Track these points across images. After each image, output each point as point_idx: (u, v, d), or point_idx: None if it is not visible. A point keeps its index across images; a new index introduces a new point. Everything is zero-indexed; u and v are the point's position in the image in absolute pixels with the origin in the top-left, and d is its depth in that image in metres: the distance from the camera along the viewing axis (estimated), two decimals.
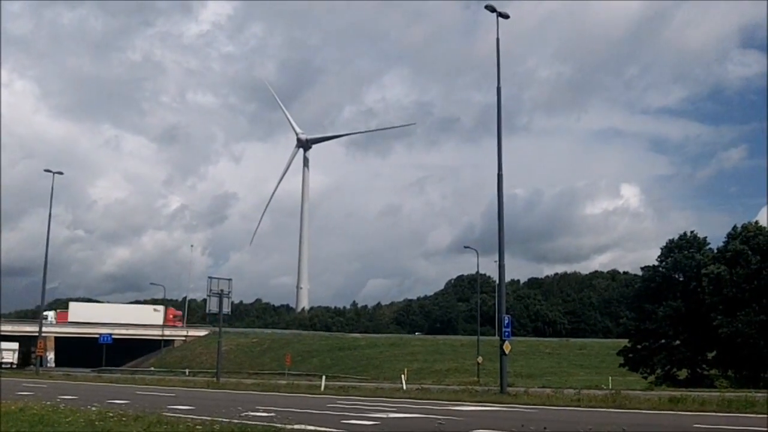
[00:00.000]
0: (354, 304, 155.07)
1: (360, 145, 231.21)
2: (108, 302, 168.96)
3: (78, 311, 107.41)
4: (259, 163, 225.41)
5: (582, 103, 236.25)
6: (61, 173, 60.87)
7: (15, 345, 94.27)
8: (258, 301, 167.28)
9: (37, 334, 65.53)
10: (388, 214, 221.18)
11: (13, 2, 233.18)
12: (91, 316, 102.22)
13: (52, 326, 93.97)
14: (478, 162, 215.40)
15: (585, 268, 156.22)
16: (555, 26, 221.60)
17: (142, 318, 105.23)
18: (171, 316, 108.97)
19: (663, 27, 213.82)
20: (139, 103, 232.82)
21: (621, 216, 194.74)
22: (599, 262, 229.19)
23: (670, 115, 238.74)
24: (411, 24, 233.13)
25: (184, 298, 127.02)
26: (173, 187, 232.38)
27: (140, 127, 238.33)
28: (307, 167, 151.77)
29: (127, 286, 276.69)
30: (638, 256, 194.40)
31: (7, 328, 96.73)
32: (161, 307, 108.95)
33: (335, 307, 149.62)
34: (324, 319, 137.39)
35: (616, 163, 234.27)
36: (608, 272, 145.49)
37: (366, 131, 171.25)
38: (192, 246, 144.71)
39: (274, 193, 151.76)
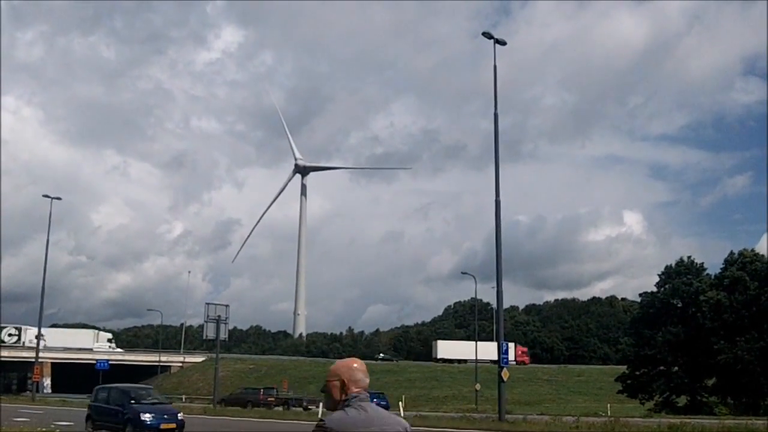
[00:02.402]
0: (350, 330, 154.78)
1: (364, 171, 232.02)
2: (106, 329, 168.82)
3: None
4: (263, 190, 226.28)
5: (585, 131, 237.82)
6: (59, 199, 60.90)
7: None
8: (255, 327, 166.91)
9: (33, 359, 65.19)
10: (390, 240, 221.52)
11: (27, 31, 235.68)
12: None
13: (49, 352, 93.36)
14: (482, 188, 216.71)
15: (586, 294, 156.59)
16: (560, 55, 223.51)
17: None
18: (520, 352, 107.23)
19: (666, 57, 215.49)
20: (145, 130, 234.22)
21: (623, 243, 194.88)
22: (600, 289, 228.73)
23: (669, 142, 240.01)
24: (418, 53, 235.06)
25: (182, 324, 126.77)
26: (177, 212, 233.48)
27: (145, 154, 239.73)
28: (305, 194, 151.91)
29: (126, 312, 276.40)
30: (640, 282, 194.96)
31: (4, 353, 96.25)
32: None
33: (332, 333, 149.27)
34: (321, 345, 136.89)
35: (617, 190, 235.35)
36: (606, 298, 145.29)
37: (363, 167, 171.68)
38: (189, 272, 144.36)
39: (263, 214, 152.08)
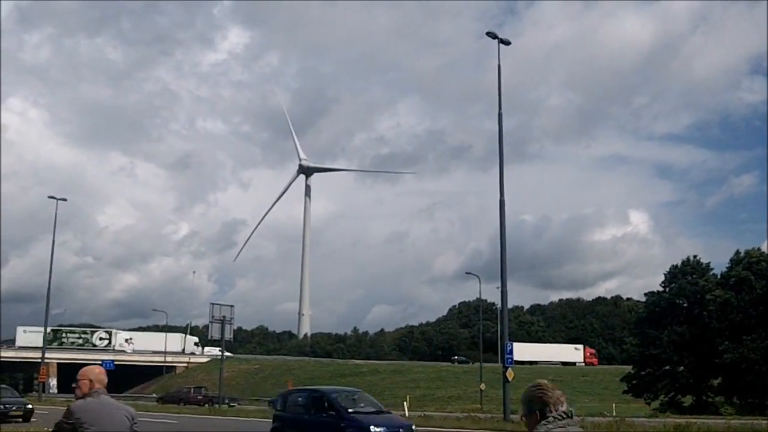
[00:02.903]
0: (355, 330, 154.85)
1: (369, 172, 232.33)
2: (114, 329, 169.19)
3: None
4: (269, 191, 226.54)
5: (591, 132, 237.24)
6: (64, 200, 61.07)
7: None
8: (259, 327, 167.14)
9: (39, 360, 65.38)
10: (395, 240, 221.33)
11: (34, 33, 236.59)
12: None
13: (54, 352, 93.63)
14: (487, 189, 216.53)
15: (591, 294, 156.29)
16: (566, 55, 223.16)
17: None
18: (588, 353, 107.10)
19: (672, 57, 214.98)
20: (151, 131, 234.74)
21: (629, 242, 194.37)
22: (605, 289, 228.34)
23: (674, 142, 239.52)
24: (423, 53, 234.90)
25: (188, 324, 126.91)
26: (183, 213, 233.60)
27: (151, 155, 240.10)
28: (309, 195, 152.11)
29: (132, 313, 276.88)
30: (645, 282, 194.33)
31: (10, 354, 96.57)
32: None
33: (336, 334, 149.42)
34: (325, 345, 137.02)
35: (622, 190, 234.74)
36: (611, 298, 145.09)
37: (367, 170, 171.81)
38: (194, 273, 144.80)
39: (266, 214, 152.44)
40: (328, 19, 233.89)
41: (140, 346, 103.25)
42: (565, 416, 3.88)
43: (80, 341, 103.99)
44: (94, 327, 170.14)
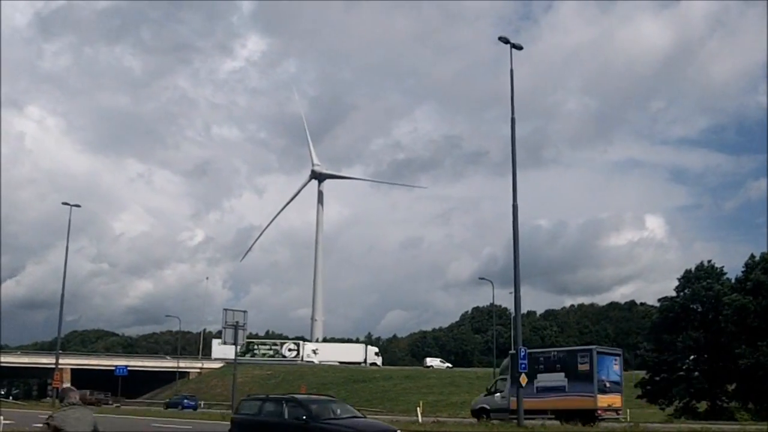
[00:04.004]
0: (369, 335, 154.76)
1: (386, 177, 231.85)
2: (125, 335, 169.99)
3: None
4: (285, 197, 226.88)
5: (607, 136, 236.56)
6: (78, 206, 61.32)
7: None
8: (271, 333, 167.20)
9: (53, 365, 65.68)
10: (410, 246, 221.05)
11: (54, 42, 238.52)
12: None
13: (68, 357, 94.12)
14: (504, 194, 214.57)
15: (606, 299, 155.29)
16: (583, 60, 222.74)
17: None
18: None
19: (689, 61, 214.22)
20: (168, 138, 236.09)
21: (645, 247, 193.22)
22: (621, 294, 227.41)
23: (689, 146, 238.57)
24: (440, 59, 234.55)
25: (203, 330, 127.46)
26: (198, 220, 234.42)
27: (167, 162, 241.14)
28: (321, 201, 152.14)
29: (147, 319, 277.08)
30: (661, 287, 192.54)
31: (24, 359, 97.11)
32: None
33: (348, 339, 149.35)
34: None
35: (638, 194, 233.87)
36: (625, 303, 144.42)
37: (378, 181, 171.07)
38: (207, 278, 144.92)
39: (275, 217, 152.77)
40: (346, 26, 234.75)
41: (325, 356, 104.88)
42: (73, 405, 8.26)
43: (271, 353, 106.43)
44: (108, 334, 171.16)
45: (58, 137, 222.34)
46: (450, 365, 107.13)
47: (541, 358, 37.07)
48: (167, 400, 72.12)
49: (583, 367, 34.67)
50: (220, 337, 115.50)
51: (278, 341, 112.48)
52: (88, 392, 70.59)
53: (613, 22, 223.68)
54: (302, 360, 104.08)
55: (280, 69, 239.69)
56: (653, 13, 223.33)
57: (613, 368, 36.72)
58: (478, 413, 38.70)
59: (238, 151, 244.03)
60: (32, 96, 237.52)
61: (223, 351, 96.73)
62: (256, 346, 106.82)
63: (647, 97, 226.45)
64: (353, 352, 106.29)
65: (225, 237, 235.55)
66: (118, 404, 71.82)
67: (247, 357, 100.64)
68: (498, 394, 38.05)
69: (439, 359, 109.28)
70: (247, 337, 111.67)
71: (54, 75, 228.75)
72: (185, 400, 69.01)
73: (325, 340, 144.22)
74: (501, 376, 41.13)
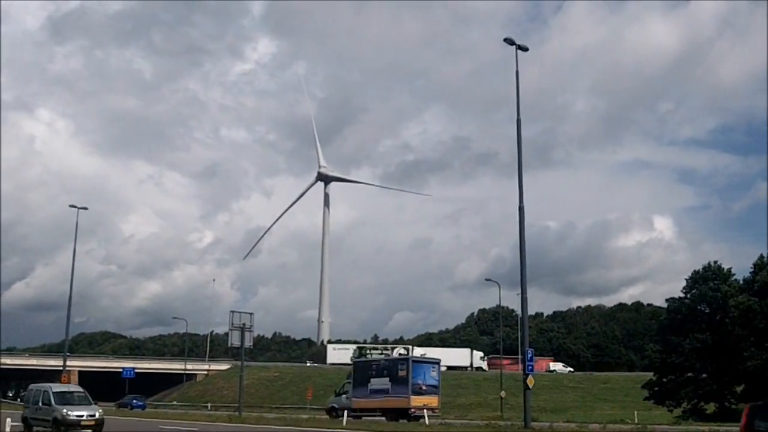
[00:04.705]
0: (375, 337, 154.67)
1: (394, 178, 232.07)
2: (133, 337, 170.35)
3: None
4: (292, 198, 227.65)
5: (616, 137, 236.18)
6: (85, 208, 61.23)
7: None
8: (278, 334, 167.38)
9: (61, 368, 65.80)
10: (418, 247, 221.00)
11: (66, 45, 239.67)
12: None
13: (77, 360, 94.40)
14: (512, 195, 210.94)
15: (614, 300, 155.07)
16: (592, 61, 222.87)
17: None
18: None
19: (698, 62, 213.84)
20: (178, 140, 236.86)
21: (653, 248, 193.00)
22: (629, 295, 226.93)
23: (696, 146, 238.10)
24: (450, 61, 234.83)
25: (211, 332, 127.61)
26: (207, 221, 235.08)
27: (177, 164, 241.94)
28: (328, 203, 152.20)
29: (155, 321, 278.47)
30: (669, 288, 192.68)
31: (32, 361, 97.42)
32: None
33: (355, 341, 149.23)
34: None
35: (647, 195, 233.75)
36: (632, 304, 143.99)
37: (384, 186, 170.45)
38: (214, 280, 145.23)
39: (279, 217, 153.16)
40: (355, 28, 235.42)
41: None
42: None
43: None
44: (116, 336, 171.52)
45: (67, 140, 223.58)
46: (572, 369, 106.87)
47: (374, 366, 45.97)
48: (119, 400, 75.06)
49: (402, 373, 41.87)
50: (334, 343, 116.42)
51: (389, 347, 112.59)
52: None
53: (621, 23, 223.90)
54: None
55: (290, 71, 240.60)
56: (662, 13, 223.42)
57: (431, 374, 43.41)
58: (330, 411, 47.47)
59: (247, 153, 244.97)
60: (42, 98, 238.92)
61: (338, 356, 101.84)
62: (368, 352, 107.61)
63: (656, 98, 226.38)
64: (460, 357, 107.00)
65: (233, 238, 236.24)
66: None
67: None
68: (344, 395, 46.63)
69: (561, 363, 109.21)
70: (356, 343, 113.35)
71: (64, 77, 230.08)
72: (134, 401, 73.89)
73: (330, 342, 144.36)
74: (347, 380, 48.38)
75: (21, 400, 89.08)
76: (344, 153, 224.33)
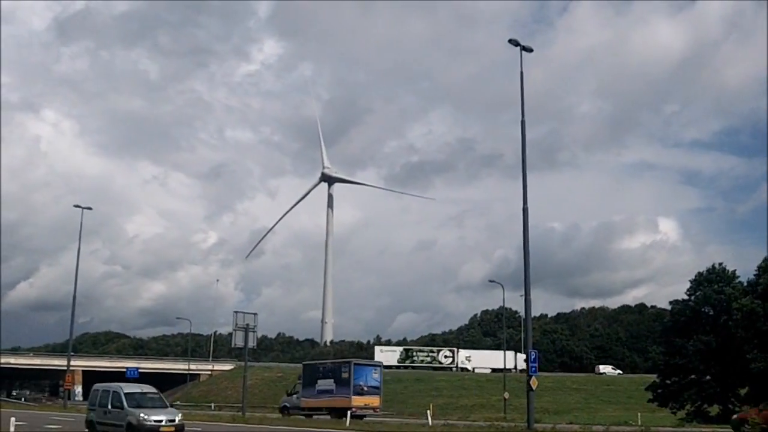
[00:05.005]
0: (378, 338, 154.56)
1: (399, 180, 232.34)
2: (136, 337, 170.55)
3: None
4: (297, 199, 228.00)
5: (621, 139, 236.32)
6: (89, 209, 61.42)
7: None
8: (281, 335, 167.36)
9: (65, 367, 65.93)
10: (422, 248, 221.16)
11: (71, 46, 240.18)
12: None
13: (81, 359, 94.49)
14: (517, 197, 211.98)
15: (618, 302, 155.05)
16: (597, 63, 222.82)
17: None
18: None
19: (703, 64, 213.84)
20: (183, 141, 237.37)
21: (658, 250, 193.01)
22: (633, 297, 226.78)
23: (701, 148, 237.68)
24: (455, 62, 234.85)
25: (215, 332, 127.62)
26: (212, 222, 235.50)
27: (182, 164, 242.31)
28: (331, 205, 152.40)
29: (159, 321, 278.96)
30: (674, 290, 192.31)
31: (36, 361, 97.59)
32: None
33: (358, 342, 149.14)
34: (347, 353, 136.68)
35: (652, 197, 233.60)
36: (636, 306, 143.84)
37: (387, 189, 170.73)
38: (217, 281, 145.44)
39: (282, 217, 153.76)
40: (361, 30, 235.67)
41: (477, 363, 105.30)
42: None
43: (428, 359, 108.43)
44: (121, 336, 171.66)
45: (73, 140, 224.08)
46: (620, 372, 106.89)
47: (320, 368, 49.60)
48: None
49: (345, 375, 45.35)
50: (383, 344, 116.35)
51: (435, 349, 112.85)
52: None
53: (627, 25, 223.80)
54: (456, 367, 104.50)
55: (295, 72, 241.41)
56: (668, 15, 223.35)
57: (372, 376, 46.88)
58: (282, 410, 51.65)
59: (252, 154, 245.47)
60: (48, 99, 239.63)
61: (385, 358, 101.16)
62: (414, 353, 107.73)
63: (661, 99, 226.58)
64: (500, 358, 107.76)
65: (238, 239, 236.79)
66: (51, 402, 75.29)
67: (407, 362, 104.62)
68: (294, 395, 50.56)
69: (611, 366, 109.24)
70: (402, 345, 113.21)
71: (70, 78, 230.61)
72: None
73: (332, 343, 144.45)
74: (298, 381, 51.56)
75: (25, 400, 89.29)
76: (349, 154, 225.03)
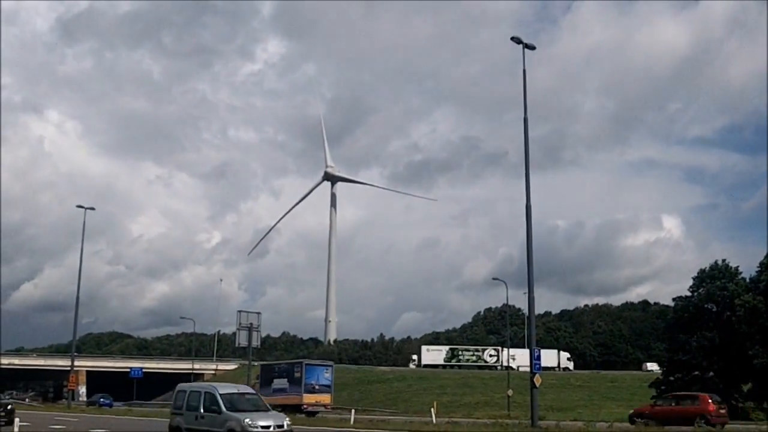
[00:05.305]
0: (381, 337, 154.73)
1: (403, 179, 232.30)
2: (140, 337, 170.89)
3: None
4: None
5: (625, 138, 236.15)
6: (92, 209, 61.51)
7: None
8: (285, 334, 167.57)
9: (69, 368, 66.09)
10: (426, 247, 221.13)
11: (76, 46, 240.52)
12: None
13: (85, 360, 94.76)
14: (522, 195, 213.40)
15: (622, 300, 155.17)
16: (601, 61, 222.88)
17: None
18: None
19: (708, 62, 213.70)
20: (187, 141, 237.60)
21: (661, 248, 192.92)
22: (637, 294, 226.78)
23: (704, 145, 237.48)
24: (460, 62, 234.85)
25: (218, 331, 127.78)
26: (215, 222, 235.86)
27: (186, 165, 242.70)
28: (335, 203, 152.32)
29: (163, 321, 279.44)
30: (677, 287, 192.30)
31: (40, 362, 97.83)
32: None
33: (362, 340, 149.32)
34: (351, 352, 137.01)
35: (655, 194, 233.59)
36: (639, 303, 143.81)
37: (389, 189, 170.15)
38: (221, 280, 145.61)
39: (285, 215, 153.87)
40: (366, 29, 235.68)
41: (522, 361, 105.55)
42: None
43: (474, 358, 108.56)
44: (124, 336, 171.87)
45: (76, 141, 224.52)
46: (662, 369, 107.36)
47: (276, 368, 53.57)
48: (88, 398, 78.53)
49: (297, 375, 48.89)
50: (428, 344, 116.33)
51: (480, 348, 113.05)
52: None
53: (631, 23, 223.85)
54: (502, 366, 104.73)
55: (299, 72, 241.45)
56: (671, 14, 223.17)
57: (324, 375, 51.03)
58: None
59: (256, 154, 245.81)
60: (52, 100, 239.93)
61: (432, 357, 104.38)
62: (460, 353, 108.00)
63: (665, 97, 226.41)
64: (547, 357, 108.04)
65: (242, 239, 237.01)
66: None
67: (453, 362, 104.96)
68: None
69: (656, 364, 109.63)
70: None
71: (74, 79, 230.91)
72: (101, 399, 76.53)
73: (336, 342, 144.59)
74: (256, 381, 53.45)
75: (29, 401, 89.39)
76: (353, 153, 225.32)
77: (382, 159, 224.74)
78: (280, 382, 50.98)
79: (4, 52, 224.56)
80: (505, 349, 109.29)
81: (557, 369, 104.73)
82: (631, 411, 36.44)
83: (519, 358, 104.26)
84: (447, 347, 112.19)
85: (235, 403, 21.61)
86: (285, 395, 48.71)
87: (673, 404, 37.13)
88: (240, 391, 22.87)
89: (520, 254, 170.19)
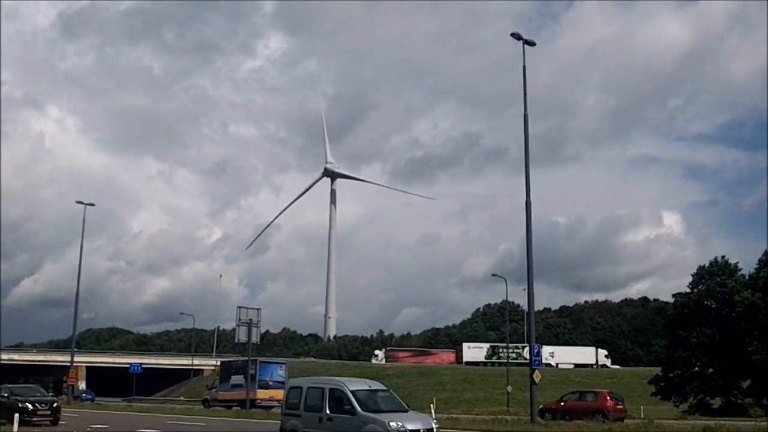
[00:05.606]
0: (381, 332, 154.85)
1: (403, 174, 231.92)
2: (141, 332, 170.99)
3: None
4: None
5: (625, 134, 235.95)
6: (92, 205, 61.36)
7: None
8: (285, 329, 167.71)
9: (69, 363, 66.09)
10: (426, 243, 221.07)
11: (77, 42, 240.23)
12: None
13: (84, 356, 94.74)
14: (522, 191, 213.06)
15: (622, 296, 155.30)
16: (602, 58, 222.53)
17: None
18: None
19: (708, 59, 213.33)
20: (188, 137, 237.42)
21: (662, 244, 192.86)
22: (636, 290, 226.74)
23: (704, 142, 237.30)
24: (461, 58, 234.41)
25: (218, 327, 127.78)
26: (216, 218, 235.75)
27: (185, 160, 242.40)
28: (334, 199, 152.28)
29: (163, 317, 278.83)
30: (678, 283, 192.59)
31: (40, 357, 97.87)
32: None
33: (362, 336, 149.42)
34: (351, 348, 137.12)
35: (655, 191, 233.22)
36: (639, 299, 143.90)
37: (389, 187, 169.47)
38: (221, 276, 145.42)
39: (284, 210, 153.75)
40: (367, 25, 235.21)
41: (560, 359, 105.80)
42: None
43: (513, 356, 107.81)
44: (124, 332, 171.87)
45: (77, 137, 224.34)
46: None
47: (233, 365, 55.93)
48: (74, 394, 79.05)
49: (252, 372, 50.21)
50: (472, 341, 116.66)
51: (520, 345, 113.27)
52: None
53: (632, 20, 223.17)
54: (541, 362, 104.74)
55: (300, 68, 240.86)
56: (672, 10, 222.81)
57: (278, 372, 53.99)
58: (204, 402, 57.62)
59: (256, 150, 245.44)
60: (53, 96, 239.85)
61: (473, 355, 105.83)
62: (501, 350, 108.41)
63: (665, 94, 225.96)
64: (586, 355, 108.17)
65: (242, 235, 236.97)
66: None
67: (494, 359, 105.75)
68: (214, 389, 58.03)
69: None
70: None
71: (75, 75, 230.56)
72: (83, 394, 78.39)
73: (336, 337, 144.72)
74: (217, 377, 58.37)
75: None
76: (355, 149, 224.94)
77: (383, 155, 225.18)
78: (237, 379, 53.26)
79: (4, 48, 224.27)
80: (543, 347, 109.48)
81: (595, 366, 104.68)
82: (541, 406, 36.99)
83: (558, 355, 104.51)
84: (488, 344, 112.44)
85: (370, 402, 17.91)
86: (241, 390, 50.59)
87: (576, 400, 39.64)
88: (372, 388, 18.89)
89: (520, 250, 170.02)
